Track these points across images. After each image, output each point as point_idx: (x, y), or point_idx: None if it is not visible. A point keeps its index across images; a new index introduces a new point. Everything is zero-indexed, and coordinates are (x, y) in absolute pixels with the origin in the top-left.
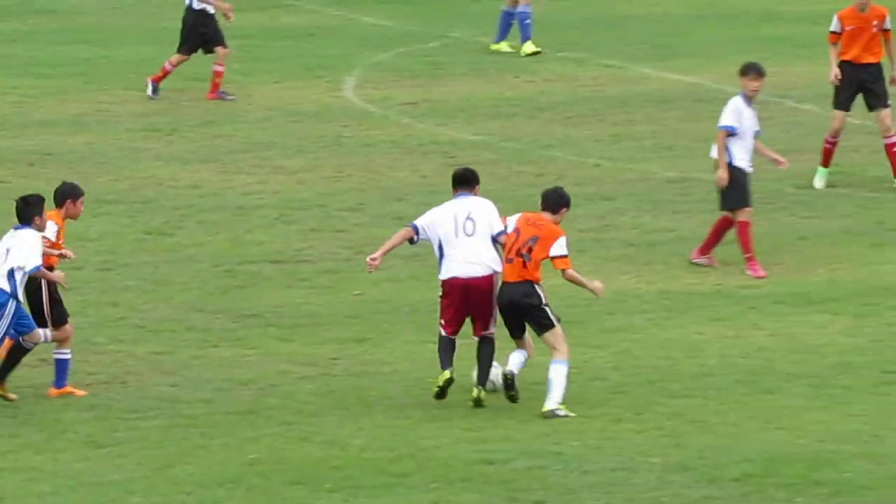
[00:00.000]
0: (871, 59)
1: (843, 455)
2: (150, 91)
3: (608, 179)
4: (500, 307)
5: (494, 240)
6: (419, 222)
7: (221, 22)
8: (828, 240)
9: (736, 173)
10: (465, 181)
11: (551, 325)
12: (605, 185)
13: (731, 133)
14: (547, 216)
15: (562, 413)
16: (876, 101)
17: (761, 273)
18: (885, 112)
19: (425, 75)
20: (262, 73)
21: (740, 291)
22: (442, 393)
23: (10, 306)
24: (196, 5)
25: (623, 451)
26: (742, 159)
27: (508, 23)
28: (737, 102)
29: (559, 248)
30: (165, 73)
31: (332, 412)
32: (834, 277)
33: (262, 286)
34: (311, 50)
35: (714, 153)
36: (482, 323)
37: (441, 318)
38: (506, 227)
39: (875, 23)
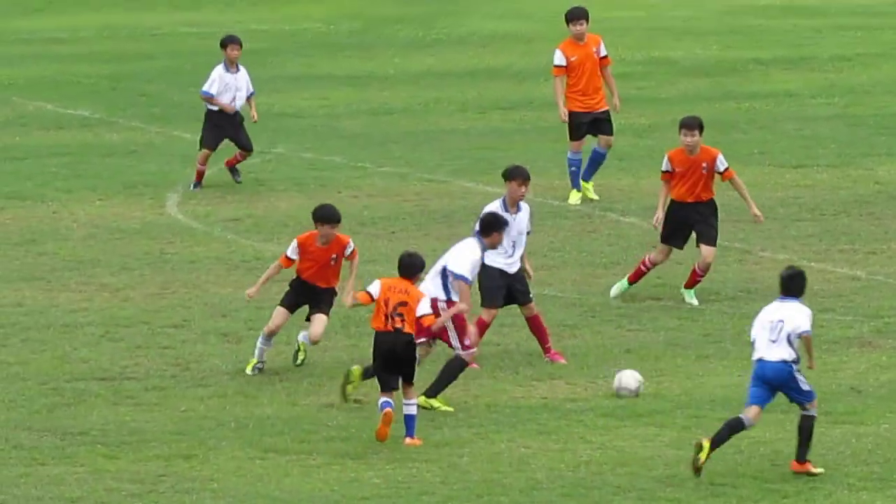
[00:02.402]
0: (700, 198)
1: None
2: (192, 187)
3: None
4: None
5: None
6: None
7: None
8: (653, 352)
9: (490, 272)
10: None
11: None
12: None
13: None
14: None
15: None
16: (703, 238)
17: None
18: (709, 250)
19: (248, 191)
20: (84, 191)
21: (566, 405)
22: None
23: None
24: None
25: None
26: (496, 261)
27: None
28: (496, 204)
29: None
30: (202, 173)
31: None
32: (660, 390)
33: (89, 403)
34: (133, 167)
35: None
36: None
37: None
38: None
39: (704, 165)
